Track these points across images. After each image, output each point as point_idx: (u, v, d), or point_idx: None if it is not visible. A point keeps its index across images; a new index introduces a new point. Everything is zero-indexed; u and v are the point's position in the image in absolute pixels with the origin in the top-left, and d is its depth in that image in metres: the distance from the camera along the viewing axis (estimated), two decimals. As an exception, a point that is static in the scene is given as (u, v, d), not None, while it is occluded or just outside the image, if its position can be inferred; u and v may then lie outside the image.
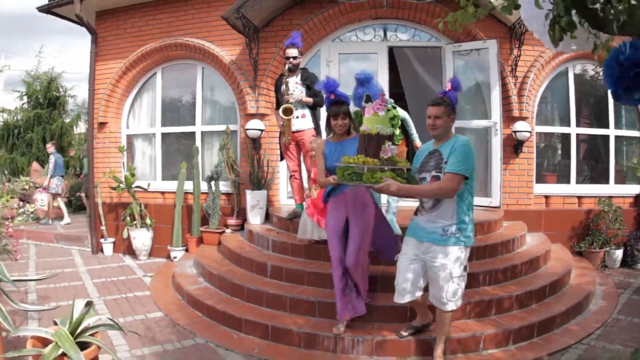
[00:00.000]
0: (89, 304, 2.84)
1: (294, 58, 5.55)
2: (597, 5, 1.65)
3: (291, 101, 5.48)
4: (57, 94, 14.32)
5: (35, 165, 13.03)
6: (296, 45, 5.55)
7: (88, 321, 2.83)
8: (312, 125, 5.70)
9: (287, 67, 5.61)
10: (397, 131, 5.24)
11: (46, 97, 14.01)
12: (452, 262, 3.58)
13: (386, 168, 3.52)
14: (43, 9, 7.82)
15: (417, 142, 5.61)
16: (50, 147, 10.81)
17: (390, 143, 3.64)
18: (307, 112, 5.69)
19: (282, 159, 6.12)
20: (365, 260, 4.28)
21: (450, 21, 2.79)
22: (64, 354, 2.47)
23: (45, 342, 2.79)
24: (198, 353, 4.14)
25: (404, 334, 4.06)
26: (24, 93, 14.46)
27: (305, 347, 4.11)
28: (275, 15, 6.78)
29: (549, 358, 3.99)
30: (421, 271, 3.74)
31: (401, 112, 5.42)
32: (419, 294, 3.82)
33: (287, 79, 5.61)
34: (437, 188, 3.52)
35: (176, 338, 4.43)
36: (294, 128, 5.60)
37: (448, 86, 3.78)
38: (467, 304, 4.35)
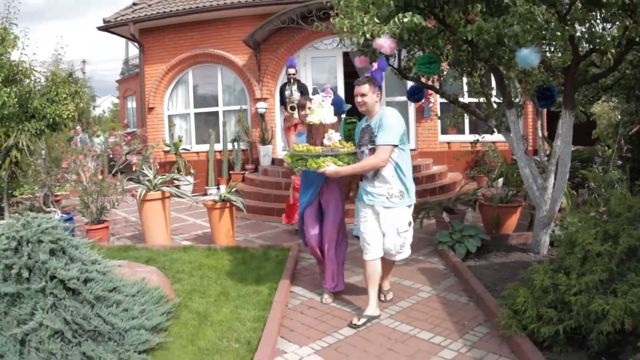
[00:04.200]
0: (227, 188, 6.59)
1: (293, 74, 8.92)
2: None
3: (294, 102, 9.10)
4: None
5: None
6: (293, 66, 8.93)
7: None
8: None
9: (291, 80, 8.84)
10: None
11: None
12: (398, 220, 3.88)
13: (327, 154, 3.78)
14: (102, 28, 11.17)
15: None
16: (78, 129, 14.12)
17: (333, 131, 3.86)
18: None
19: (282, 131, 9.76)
20: (338, 244, 4.43)
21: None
22: (228, 200, 6.29)
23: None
24: (255, 224, 8.04)
25: (358, 323, 3.87)
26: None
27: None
28: (271, 34, 10.44)
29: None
30: (380, 230, 3.95)
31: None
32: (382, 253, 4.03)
33: (290, 87, 8.96)
34: (371, 163, 3.75)
35: (241, 221, 8.26)
36: (295, 116, 9.30)
37: (374, 66, 4.01)
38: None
